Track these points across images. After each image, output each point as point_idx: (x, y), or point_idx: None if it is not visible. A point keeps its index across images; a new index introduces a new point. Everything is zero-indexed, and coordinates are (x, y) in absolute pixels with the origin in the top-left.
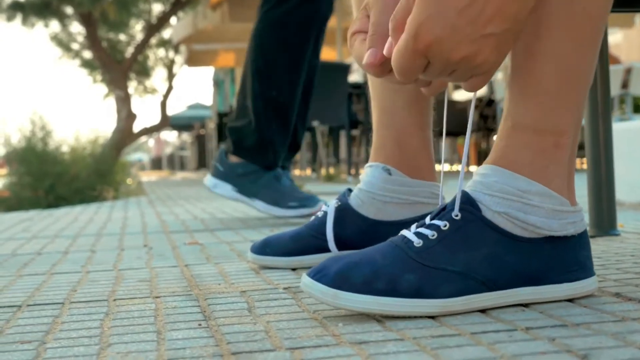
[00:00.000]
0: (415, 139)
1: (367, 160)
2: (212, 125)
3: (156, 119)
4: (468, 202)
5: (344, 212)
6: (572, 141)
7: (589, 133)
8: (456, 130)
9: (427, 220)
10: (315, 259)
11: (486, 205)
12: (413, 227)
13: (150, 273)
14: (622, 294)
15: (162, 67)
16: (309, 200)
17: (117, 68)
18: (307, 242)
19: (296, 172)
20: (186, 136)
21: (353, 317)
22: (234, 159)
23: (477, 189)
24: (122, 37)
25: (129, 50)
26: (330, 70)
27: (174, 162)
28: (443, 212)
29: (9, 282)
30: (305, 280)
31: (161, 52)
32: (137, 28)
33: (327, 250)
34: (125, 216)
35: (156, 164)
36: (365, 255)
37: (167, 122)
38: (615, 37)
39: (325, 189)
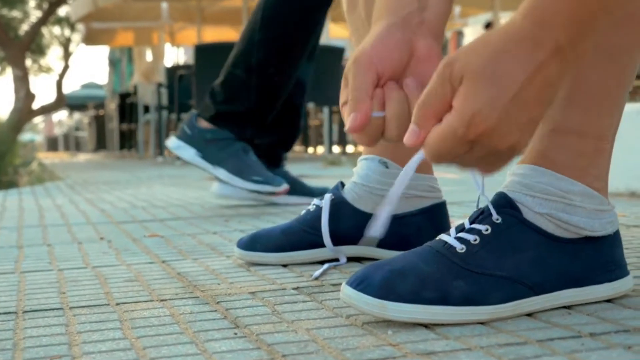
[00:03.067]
0: None
1: None
2: (112, 106)
3: (49, 99)
4: (508, 204)
5: (339, 206)
6: (611, 144)
7: None
8: None
9: (467, 224)
10: (308, 255)
11: (527, 207)
12: (452, 231)
13: (131, 271)
14: None
15: (58, 45)
16: (274, 179)
17: (14, 46)
18: (300, 237)
19: None
20: (80, 116)
21: (396, 323)
22: (204, 124)
23: (516, 189)
24: (16, 13)
25: (23, 28)
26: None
27: (70, 143)
28: (482, 215)
29: None
30: (348, 291)
31: (56, 29)
32: (31, 4)
33: (321, 245)
34: (55, 204)
35: (52, 144)
36: (406, 262)
37: (63, 101)
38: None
39: None
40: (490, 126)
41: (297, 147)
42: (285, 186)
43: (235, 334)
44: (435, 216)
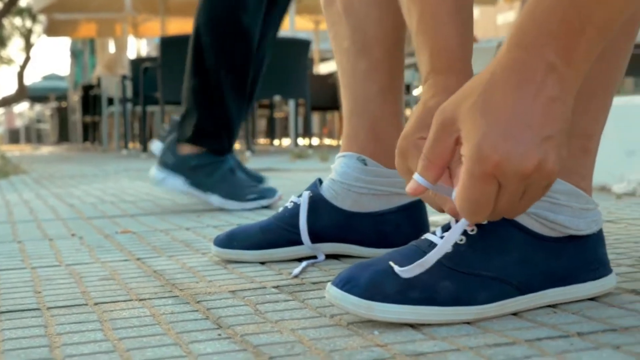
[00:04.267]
0: (390, 127)
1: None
2: (75, 98)
3: (10, 90)
4: None
5: (318, 203)
6: (597, 143)
7: None
8: (327, 105)
9: (453, 223)
10: (286, 253)
11: None
12: (438, 231)
13: (106, 269)
14: (638, 290)
15: (19, 36)
16: (268, 192)
17: None
18: (278, 234)
19: None
20: (42, 108)
21: (382, 323)
22: (185, 149)
23: None
24: None
25: None
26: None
27: (31, 135)
28: None
29: None
30: (333, 291)
31: (17, 21)
32: None
33: (299, 243)
34: (23, 199)
35: (13, 136)
36: (392, 262)
37: (25, 93)
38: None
39: None
40: (500, 153)
41: (263, 140)
42: (279, 194)
43: (219, 334)
44: (413, 213)
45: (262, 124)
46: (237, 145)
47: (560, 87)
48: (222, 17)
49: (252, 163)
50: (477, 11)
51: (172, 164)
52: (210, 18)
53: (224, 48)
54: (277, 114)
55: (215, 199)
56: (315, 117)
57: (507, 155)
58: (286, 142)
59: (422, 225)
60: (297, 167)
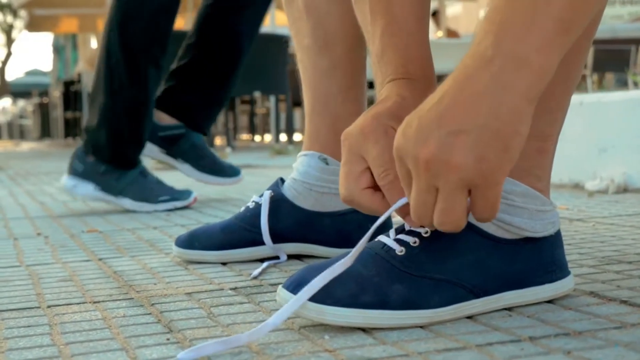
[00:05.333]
0: None
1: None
2: (56, 94)
3: None
4: None
5: (279, 203)
6: (554, 144)
7: None
8: None
9: (407, 225)
10: (248, 253)
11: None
12: (392, 233)
13: (66, 270)
14: (596, 292)
15: (0, 32)
16: (181, 193)
17: None
18: (239, 235)
19: None
20: (25, 103)
21: (334, 327)
22: (92, 157)
23: None
24: None
25: None
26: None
27: (13, 131)
28: None
29: None
30: (284, 294)
31: None
32: None
33: (261, 243)
34: None
35: None
36: (344, 266)
37: (7, 88)
38: (454, 9)
39: None
40: (403, 133)
41: (244, 136)
42: (194, 196)
43: (168, 339)
44: None
45: (244, 119)
46: (217, 141)
47: (485, 83)
48: (136, 38)
49: (231, 159)
50: (459, 7)
51: (82, 171)
52: (123, 41)
53: (136, 66)
54: (260, 110)
55: (127, 202)
56: (298, 113)
57: (406, 136)
58: (268, 137)
59: (385, 225)
60: (275, 164)
